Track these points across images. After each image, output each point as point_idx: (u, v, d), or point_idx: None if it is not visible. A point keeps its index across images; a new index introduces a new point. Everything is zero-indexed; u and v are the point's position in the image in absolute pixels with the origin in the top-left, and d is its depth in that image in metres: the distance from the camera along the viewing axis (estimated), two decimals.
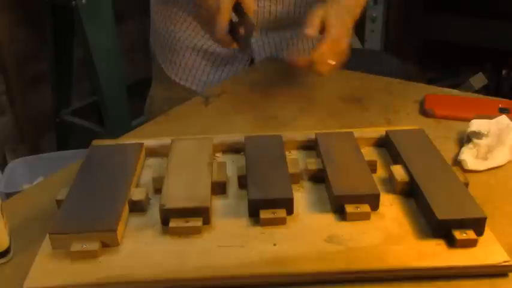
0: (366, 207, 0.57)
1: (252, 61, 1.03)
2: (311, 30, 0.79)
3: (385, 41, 2.61)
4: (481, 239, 0.53)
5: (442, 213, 0.54)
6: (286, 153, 0.68)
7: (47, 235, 0.54)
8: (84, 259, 0.52)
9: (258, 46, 1.01)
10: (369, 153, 0.68)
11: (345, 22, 0.82)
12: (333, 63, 0.80)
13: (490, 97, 0.91)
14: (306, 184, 0.64)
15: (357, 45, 2.63)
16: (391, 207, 0.59)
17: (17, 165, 1.84)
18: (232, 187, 0.63)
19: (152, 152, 0.71)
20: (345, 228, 0.55)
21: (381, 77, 0.97)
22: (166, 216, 0.56)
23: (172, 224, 0.55)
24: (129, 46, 2.25)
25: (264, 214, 0.56)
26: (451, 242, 0.53)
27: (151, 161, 0.70)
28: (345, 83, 0.96)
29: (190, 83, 1.06)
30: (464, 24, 2.48)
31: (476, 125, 0.74)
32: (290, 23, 1.00)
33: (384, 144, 0.71)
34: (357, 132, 0.71)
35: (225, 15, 0.77)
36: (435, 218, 0.54)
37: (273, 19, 0.98)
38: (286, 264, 0.51)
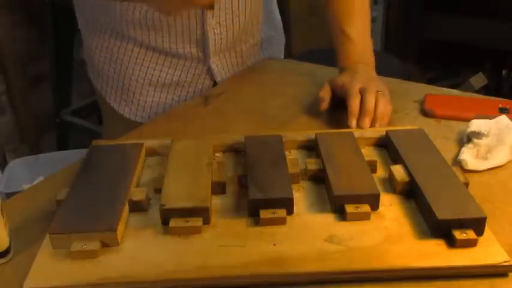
0: (366, 207, 0.57)
1: (215, 82, 0.98)
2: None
3: (385, 41, 2.61)
4: (481, 239, 0.53)
5: (442, 213, 0.54)
6: (286, 153, 0.68)
7: (47, 235, 0.54)
8: (84, 259, 0.52)
9: (218, 68, 0.96)
10: (369, 153, 0.68)
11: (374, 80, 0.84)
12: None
13: (490, 97, 0.91)
14: (306, 184, 0.64)
15: None
16: (391, 207, 0.59)
17: (17, 165, 1.84)
18: (232, 187, 0.63)
19: (152, 152, 0.71)
20: (345, 228, 0.55)
21: (381, 77, 0.97)
22: (167, 216, 0.56)
23: (173, 223, 0.55)
24: None
25: (264, 214, 0.56)
26: (451, 242, 0.53)
27: (151, 161, 0.70)
28: None
29: (147, 118, 0.98)
30: (464, 24, 2.48)
31: (476, 125, 0.74)
32: (243, 38, 0.98)
33: (384, 144, 0.71)
34: (357, 132, 0.71)
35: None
36: (435, 218, 0.54)
37: (230, 41, 0.94)
38: (286, 264, 0.51)
